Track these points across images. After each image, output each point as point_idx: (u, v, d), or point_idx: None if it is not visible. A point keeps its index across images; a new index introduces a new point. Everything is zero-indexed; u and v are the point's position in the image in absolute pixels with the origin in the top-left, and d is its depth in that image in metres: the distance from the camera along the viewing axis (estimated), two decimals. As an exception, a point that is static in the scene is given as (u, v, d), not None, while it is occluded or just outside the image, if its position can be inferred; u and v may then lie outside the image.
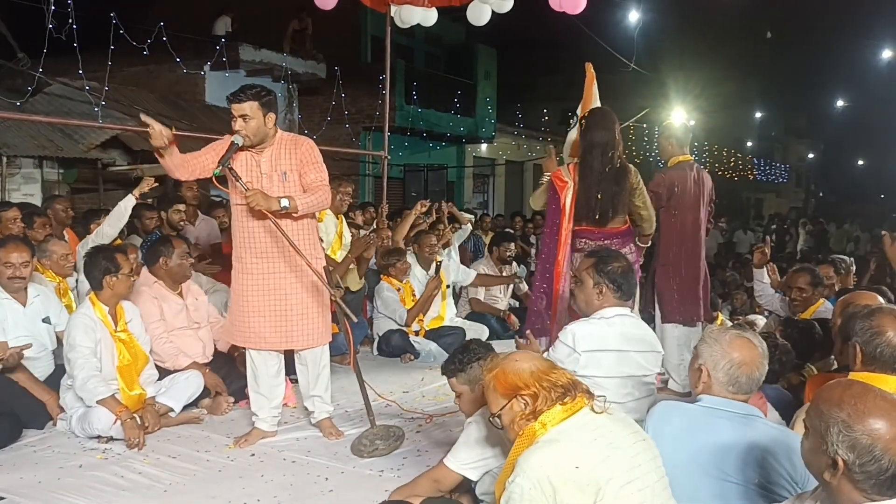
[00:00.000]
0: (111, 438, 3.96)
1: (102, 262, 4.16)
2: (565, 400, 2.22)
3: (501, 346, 5.55)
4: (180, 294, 4.80)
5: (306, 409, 4.28)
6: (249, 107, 3.71)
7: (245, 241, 3.89)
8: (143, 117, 3.63)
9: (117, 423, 3.93)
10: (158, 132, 3.58)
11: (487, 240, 8.88)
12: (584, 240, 4.44)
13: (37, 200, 9.27)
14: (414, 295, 6.53)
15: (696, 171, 5.06)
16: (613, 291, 3.28)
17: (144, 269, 4.81)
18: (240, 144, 3.70)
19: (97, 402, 3.94)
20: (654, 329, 5.20)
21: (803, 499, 2.02)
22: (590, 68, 5.23)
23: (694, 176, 4.99)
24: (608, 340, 3.17)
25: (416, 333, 6.43)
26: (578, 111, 5.08)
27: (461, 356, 3.09)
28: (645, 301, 5.15)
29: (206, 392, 4.60)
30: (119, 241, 5.48)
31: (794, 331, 4.39)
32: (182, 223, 6.09)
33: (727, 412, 2.42)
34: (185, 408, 4.45)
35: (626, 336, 3.23)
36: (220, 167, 3.61)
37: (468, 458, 2.91)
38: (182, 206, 6.14)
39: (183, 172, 3.82)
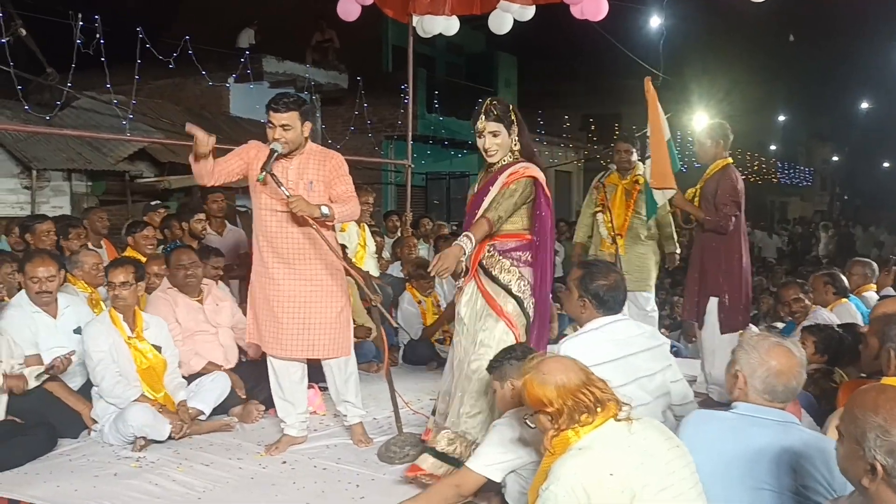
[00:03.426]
0: (146, 440, 4.03)
1: None
2: (583, 418, 2.21)
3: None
4: (200, 300, 4.91)
5: (337, 414, 4.31)
6: (290, 116, 3.77)
7: (273, 246, 3.91)
8: (189, 126, 3.68)
9: (153, 421, 4.02)
10: (204, 139, 3.63)
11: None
12: None
13: (66, 213, 9.43)
14: (437, 306, 6.55)
15: None
16: (595, 307, 3.25)
17: (165, 278, 4.95)
18: (279, 152, 3.74)
19: (130, 403, 4.07)
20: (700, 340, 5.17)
21: (839, 503, 2.01)
22: (649, 84, 5.18)
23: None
24: (602, 352, 3.06)
25: (441, 343, 6.45)
26: (648, 131, 5.16)
27: (500, 354, 3.14)
28: (689, 310, 5.10)
29: (236, 400, 4.66)
30: (154, 252, 5.57)
31: (823, 337, 4.39)
32: (203, 232, 6.14)
33: (763, 419, 2.40)
34: (216, 414, 4.53)
35: (620, 342, 3.17)
36: (263, 173, 3.66)
37: (491, 460, 2.92)
38: (203, 216, 6.20)
39: (211, 179, 3.88)
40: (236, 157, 3.93)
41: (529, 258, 3.61)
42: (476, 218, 3.55)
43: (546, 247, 3.63)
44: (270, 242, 3.92)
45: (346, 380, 4.15)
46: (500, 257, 3.59)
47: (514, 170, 3.59)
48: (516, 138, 3.67)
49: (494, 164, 3.68)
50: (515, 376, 2.95)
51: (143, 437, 4.03)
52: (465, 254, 3.39)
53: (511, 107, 3.70)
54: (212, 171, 3.83)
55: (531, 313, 3.57)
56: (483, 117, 3.64)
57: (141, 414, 4.02)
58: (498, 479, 2.93)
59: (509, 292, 3.54)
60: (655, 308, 5.99)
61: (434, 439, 3.50)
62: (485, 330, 3.54)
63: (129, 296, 4.31)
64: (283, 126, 3.76)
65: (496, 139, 3.63)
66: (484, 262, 3.62)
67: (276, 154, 3.73)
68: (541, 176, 3.63)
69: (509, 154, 3.67)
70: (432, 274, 3.36)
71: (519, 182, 3.56)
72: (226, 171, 3.89)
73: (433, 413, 3.87)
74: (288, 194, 3.68)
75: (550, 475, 2.14)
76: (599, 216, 5.89)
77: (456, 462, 3.35)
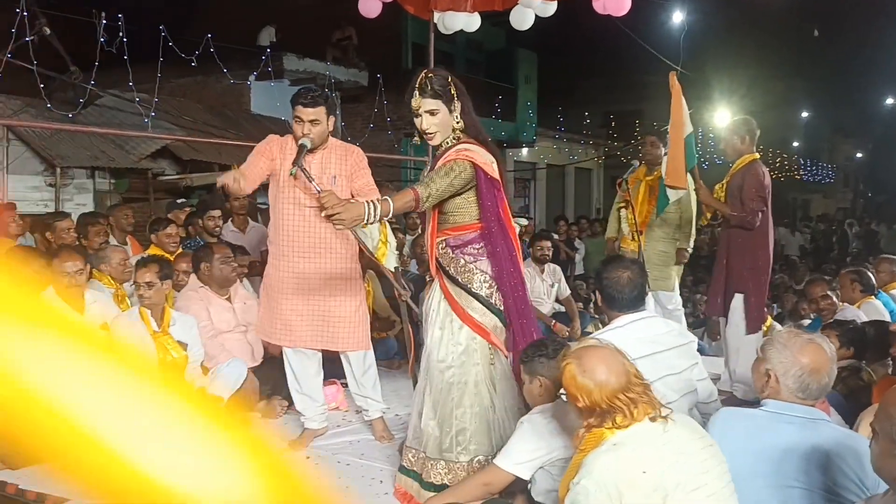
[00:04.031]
0: None
1: None
2: (618, 419, 2.16)
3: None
4: (228, 299, 4.92)
5: (360, 410, 4.32)
6: (318, 111, 3.76)
7: (294, 241, 3.92)
8: (219, 181, 3.70)
9: None
10: (232, 182, 3.61)
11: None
12: None
13: (89, 210, 9.53)
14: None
15: None
16: (608, 305, 3.18)
17: (193, 276, 4.95)
18: (308, 147, 3.74)
19: None
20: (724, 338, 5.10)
21: (873, 503, 1.99)
22: (674, 79, 5.10)
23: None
24: (628, 350, 2.85)
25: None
26: (669, 126, 5.10)
27: (531, 349, 3.06)
28: (714, 306, 5.02)
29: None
30: (180, 250, 5.58)
31: (844, 331, 4.35)
32: (216, 229, 6.13)
33: (792, 416, 2.37)
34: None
35: (645, 339, 3.08)
36: (295, 168, 3.63)
37: (521, 458, 2.87)
38: (217, 213, 6.14)
39: (249, 187, 3.87)
40: (261, 157, 3.89)
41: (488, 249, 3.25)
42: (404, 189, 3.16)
43: (498, 236, 3.21)
44: (292, 237, 3.92)
45: (363, 372, 4.17)
46: (454, 254, 3.27)
47: (450, 152, 3.19)
48: (458, 115, 3.23)
49: (439, 147, 3.29)
50: (545, 373, 2.93)
51: None
52: (367, 217, 2.94)
53: (450, 79, 3.24)
54: (247, 185, 3.80)
55: (500, 307, 3.25)
56: (417, 94, 3.19)
57: None
58: (527, 477, 2.89)
59: (470, 293, 3.23)
60: (680, 308, 5.89)
61: (427, 471, 3.26)
62: (451, 340, 3.25)
63: (154, 295, 4.38)
64: (311, 121, 3.75)
65: (434, 118, 3.21)
66: (440, 259, 3.31)
67: (305, 150, 3.73)
68: (480, 158, 3.16)
69: (451, 135, 3.25)
70: (326, 214, 2.94)
71: (456, 162, 3.12)
72: (257, 175, 3.87)
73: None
74: (319, 189, 3.63)
75: (582, 469, 2.12)
76: (623, 212, 5.86)
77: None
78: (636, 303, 3.23)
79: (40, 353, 0.74)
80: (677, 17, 9.77)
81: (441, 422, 3.26)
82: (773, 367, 2.42)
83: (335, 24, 14.24)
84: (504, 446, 2.98)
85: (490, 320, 3.25)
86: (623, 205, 5.86)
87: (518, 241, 3.36)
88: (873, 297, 5.45)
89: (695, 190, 5.16)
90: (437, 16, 7.31)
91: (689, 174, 5.12)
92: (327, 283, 3.96)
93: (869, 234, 18.96)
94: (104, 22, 9.15)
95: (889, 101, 28.68)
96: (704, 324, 8.08)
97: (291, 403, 4.57)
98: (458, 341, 3.25)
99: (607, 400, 2.16)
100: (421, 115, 3.22)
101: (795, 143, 31.23)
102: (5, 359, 0.71)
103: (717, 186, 5.04)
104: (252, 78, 12.73)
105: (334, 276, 3.97)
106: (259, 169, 3.87)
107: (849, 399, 3.68)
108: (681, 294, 6.17)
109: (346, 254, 3.99)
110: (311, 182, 3.57)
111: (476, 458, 3.21)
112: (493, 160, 3.25)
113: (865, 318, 4.92)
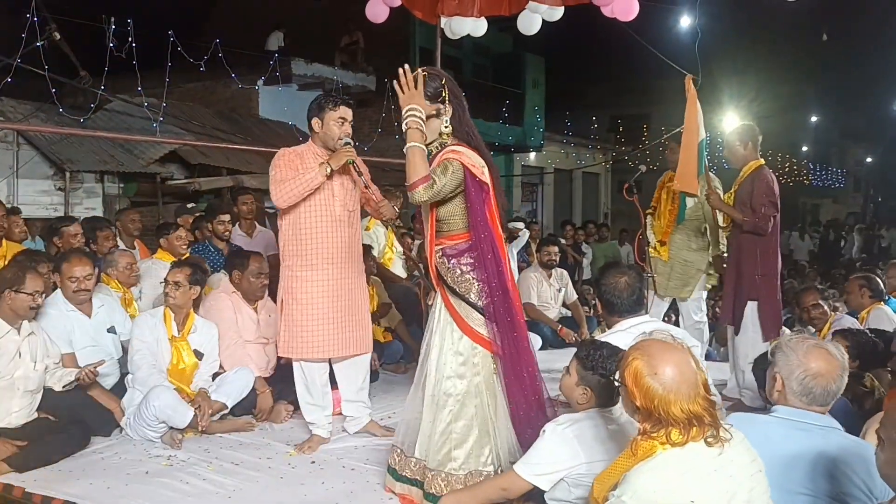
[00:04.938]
0: (171, 433, 4.09)
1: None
2: (673, 433, 2.02)
3: (554, 356, 5.54)
4: (255, 309, 4.92)
5: (348, 416, 4.31)
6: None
7: (320, 247, 3.91)
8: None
9: (174, 404, 4.09)
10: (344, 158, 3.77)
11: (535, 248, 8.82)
12: None
13: (98, 214, 9.58)
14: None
15: None
16: (608, 311, 3.18)
17: (226, 278, 4.98)
18: (351, 145, 3.86)
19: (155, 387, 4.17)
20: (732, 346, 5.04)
21: (880, 509, 1.98)
22: (689, 83, 5.06)
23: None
24: None
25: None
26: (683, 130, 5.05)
27: (586, 348, 2.94)
28: (727, 314, 4.96)
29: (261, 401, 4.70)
30: (186, 255, 5.59)
31: (856, 342, 4.32)
32: (226, 233, 6.13)
33: (803, 423, 2.35)
34: (241, 411, 4.59)
35: None
36: (352, 160, 3.79)
37: (543, 469, 2.76)
38: (226, 217, 6.12)
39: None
40: (290, 171, 3.86)
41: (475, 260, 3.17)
42: None
43: (485, 246, 3.12)
44: (319, 244, 3.91)
45: (365, 377, 4.22)
46: (450, 263, 3.21)
47: (440, 156, 3.12)
48: (447, 120, 3.14)
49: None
50: (575, 371, 2.88)
51: (165, 423, 4.08)
52: (406, 114, 3.03)
53: (444, 81, 3.14)
54: None
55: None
56: None
57: (163, 396, 4.08)
58: (546, 489, 2.78)
59: (469, 303, 3.17)
60: (704, 321, 5.59)
61: (429, 482, 3.20)
62: (451, 349, 3.19)
63: (179, 296, 4.43)
64: (350, 122, 3.88)
65: None
66: (438, 268, 3.25)
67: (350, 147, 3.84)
68: (468, 160, 3.08)
69: (438, 139, 3.17)
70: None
71: (449, 161, 3.06)
72: None
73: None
74: (367, 185, 3.83)
75: (625, 483, 2.03)
76: (649, 218, 5.65)
77: None
78: (635, 307, 3.27)
79: None
80: (685, 22, 9.74)
81: (437, 433, 3.21)
82: (780, 371, 2.41)
83: (343, 29, 14.29)
84: (526, 453, 2.87)
85: (487, 329, 3.18)
86: (650, 211, 5.67)
87: (506, 252, 3.27)
88: (882, 302, 5.42)
89: (706, 195, 5.11)
90: (443, 21, 7.32)
91: (702, 178, 5.08)
92: (350, 288, 4.00)
93: (868, 240, 18.83)
94: (113, 27, 9.20)
95: (899, 105, 28.47)
96: (713, 329, 8.03)
97: (297, 408, 4.58)
98: (458, 351, 3.19)
99: (671, 411, 2.00)
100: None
101: (805, 148, 31.06)
102: None
103: (725, 196, 5.00)
104: (260, 83, 12.79)
105: (354, 280, 4.03)
106: None
107: (851, 404, 3.66)
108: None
109: (359, 257, 4.10)
110: (360, 177, 3.74)
111: (476, 470, 3.17)
112: (484, 165, 3.18)
113: (860, 327, 4.90)
